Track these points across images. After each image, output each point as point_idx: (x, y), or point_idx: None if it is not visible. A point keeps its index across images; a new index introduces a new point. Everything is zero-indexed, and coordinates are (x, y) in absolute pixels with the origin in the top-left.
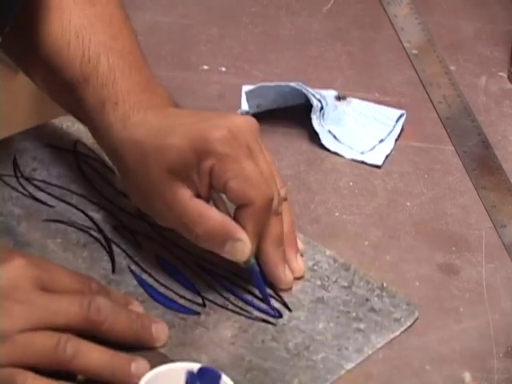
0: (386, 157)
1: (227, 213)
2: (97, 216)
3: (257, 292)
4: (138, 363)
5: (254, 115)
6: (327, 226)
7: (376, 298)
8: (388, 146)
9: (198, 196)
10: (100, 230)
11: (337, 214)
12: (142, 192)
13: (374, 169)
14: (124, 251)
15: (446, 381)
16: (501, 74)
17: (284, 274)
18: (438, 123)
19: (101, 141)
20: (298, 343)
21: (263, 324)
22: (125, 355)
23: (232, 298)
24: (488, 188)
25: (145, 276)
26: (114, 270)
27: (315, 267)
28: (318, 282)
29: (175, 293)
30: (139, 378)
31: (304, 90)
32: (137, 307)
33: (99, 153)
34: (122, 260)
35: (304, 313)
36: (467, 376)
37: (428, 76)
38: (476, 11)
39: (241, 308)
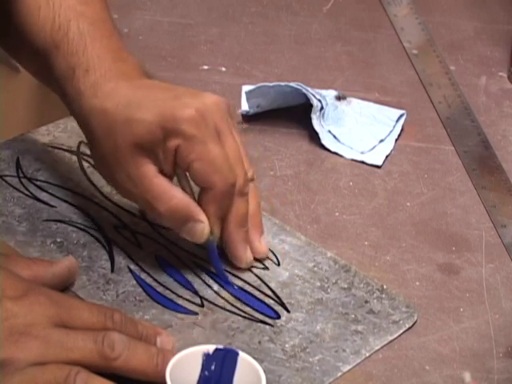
0: (386, 157)
1: (191, 192)
2: (98, 216)
3: (256, 293)
4: None
5: (254, 115)
6: (327, 226)
7: (375, 300)
8: (388, 146)
9: (162, 173)
10: (101, 230)
11: (337, 213)
12: (107, 163)
13: (374, 169)
14: (124, 251)
15: (446, 381)
16: (501, 73)
17: (244, 254)
18: (438, 123)
19: (71, 108)
20: (294, 344)
21: (261, 325)
22: None
23: (231, 298)
24: (488, 188)
25: (143, 275)
26: (113, 270)
27: (315, 268)
28: (318, 284)
29: (173, 292)
30: None
31: (304, 90)
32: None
33: None
34: (121, 260)
35: (302, 314)
36: (467, 376)
37: (428, 76)
38: (476, 11)
39: (239, 309)
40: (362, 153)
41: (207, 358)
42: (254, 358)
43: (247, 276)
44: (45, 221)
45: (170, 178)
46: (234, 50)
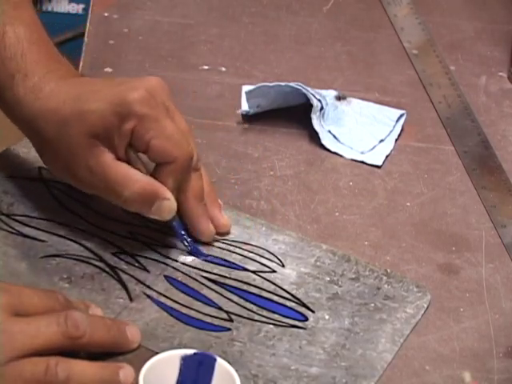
0: (386, 157)
1: (146, 172)
2: (91, 244)
3: (275, 298)
4: (124, 370)
5: (254, 115)
6: (327, 226)
7: (386, 285)
8: (388, 146)
9: (118, 159)
10: (101, 259)
11: (337, 213)
12: (63, 161)
13: (374, 169)
14: (133, 277)
15: (446, 381)
16: (501, 73)
17: (207, 227)
18: (438, 123)
19: (12, 115)
20: (332, 344)
21: (294, 329)
22: (112, 364)
23: (254, 308)
24: (488, 188)
25: (163, 299)
26: (131, 298)
27: (318, 263)
28: (327, 278)
29: (199, 312)
30: None
31: (304, 90)
32: (96, 310)
33: None
34: (134, 286)
35: (326, 311)
36: (467, 376)
37: (428, 76)
38: (476, 11)
39: (266, 317)
40: (362, 153)
41: (185, 362)
42: (302, 364)
43: (259, 282)
44: (42, 258)
45: (125, 162)
46: (234, 50)
